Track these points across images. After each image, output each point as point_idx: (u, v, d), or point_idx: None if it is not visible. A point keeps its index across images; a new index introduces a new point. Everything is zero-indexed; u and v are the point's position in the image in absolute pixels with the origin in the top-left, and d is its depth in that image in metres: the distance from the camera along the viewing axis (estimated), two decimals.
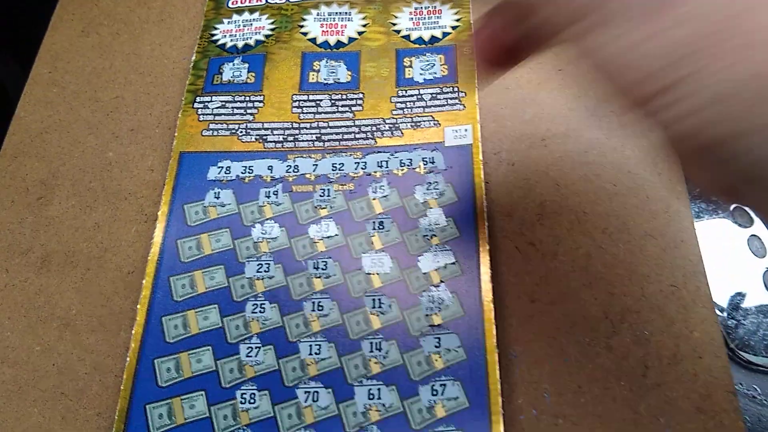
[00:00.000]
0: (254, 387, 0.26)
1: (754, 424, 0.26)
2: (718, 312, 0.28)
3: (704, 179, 0.18)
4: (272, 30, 0.37)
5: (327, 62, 0.34)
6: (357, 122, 0.32)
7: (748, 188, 0.17)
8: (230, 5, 0.38)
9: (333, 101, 0.33)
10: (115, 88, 0.37)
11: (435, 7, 0.36)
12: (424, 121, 0.32)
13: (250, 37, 0.36)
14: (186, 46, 0.38)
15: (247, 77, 0.35)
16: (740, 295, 0.29)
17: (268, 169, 0.31)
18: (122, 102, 0.37)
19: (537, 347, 0.27)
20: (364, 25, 0.36)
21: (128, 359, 0.27)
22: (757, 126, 0.16)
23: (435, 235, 0.29)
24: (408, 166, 0.31)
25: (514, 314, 0.27)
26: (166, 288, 0.28)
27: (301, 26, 0.36)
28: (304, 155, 0.32)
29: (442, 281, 0.28)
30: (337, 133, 0.32)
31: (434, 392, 0.25)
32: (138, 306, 0.28)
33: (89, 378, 0.28)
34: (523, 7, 0.18)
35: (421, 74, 0.33)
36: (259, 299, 0.28)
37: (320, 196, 0.30)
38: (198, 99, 0.34)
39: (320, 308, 0.28)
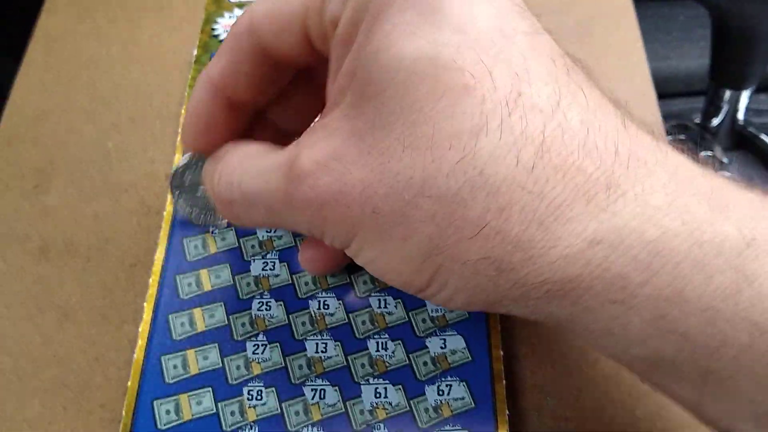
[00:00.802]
0: (261, 384, 0.26)
1: None
2: None
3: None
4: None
5: None
6: None
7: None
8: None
9: None
10: (113, 76, 0.37)
11: None
12: None
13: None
14: (185, 36, 0.38)
15: None
16: None
17: None
18: (121, 91, 0.36)
19: (540, 350, 0.27)
20: None
21: (135, 356, 0.27)
22: (499, 297, 0.20)
23: None
24: None
25: (517, 317, 0.28)
26: (173, 286, 0.28)
27: None
28: None
29: None
30: None
31: (440, 392, 0.26)
32: (145, 304, 0.28)
33: (91, 370, 0.28)
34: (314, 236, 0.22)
35: None
36: (265, 297, 0.28)
37: None
38: None
39: (326, 307, 0.28)
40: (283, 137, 0.27)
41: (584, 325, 0.20)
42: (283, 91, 0.26)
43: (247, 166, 0.23)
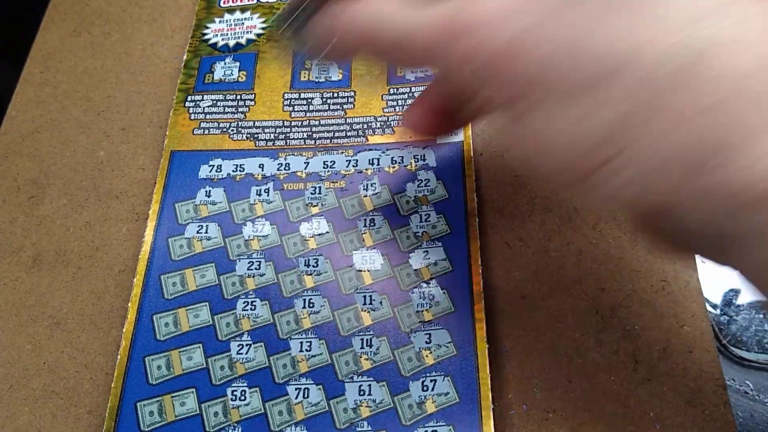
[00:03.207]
0: (245, 384, 0.26)
1: (746, 419, 0.26)
2: (710, 309, 0.28)
3: (655, 240, 0.19)
4: (264, 29, 0.37)
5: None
6: (348, 120, 0.32)
7: (702, 247, 0.18)
8: (222, 4, 0.38)
9: (324, 99, 0.33)
10: (107, 87, 0.37)
11: None
12: None
13: (242, 36, 0.36)
14: (178, 45, 0.38)
15: (239, 76, 0.35)
16: (734, 292, 0.29)
17: (259, 167, 0.31)
18: (114, 101, 0.37)
19: (527, 342, 0.27)
20: None
21: (119, 357, 0.27)
22: (685, 196, 0.17)
23: (426, 232, 0.29)
24: (399, 163, 0.31)
25: (504, 309, 0.27)
26: (157, 286, 0.28)
27: None
28: (296, 153, 0.32)
29: (432, 277, 0.28)
30: (328, 131, 0.32)
31: (425, 388, 0.25)
32: (129, 304, 0.28)
33: (80, 376, 0.28)
34: (462, 88, 0.19)
35: (412, 72, 0.33)
36: (250, 296, 0.28)
37: (311, 193, 0.30)
38: (189, 98, 0.34)
39: (311, 305, 0.28)
40: None
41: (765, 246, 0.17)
42: None
43: (394, 10, 0.20)
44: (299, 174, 0.31)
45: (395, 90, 0.33)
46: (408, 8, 0.20)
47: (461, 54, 0.19)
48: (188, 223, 0.30)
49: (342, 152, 0.31)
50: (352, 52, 0.22)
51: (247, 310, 0.28)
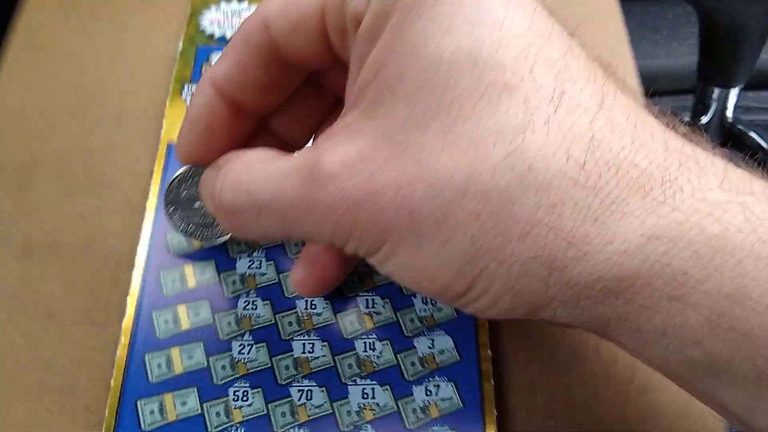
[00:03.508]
0: (247, 384, 0.26)
1: (738, 429, 0.27)
2: None
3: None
4: None
5: None
6: None
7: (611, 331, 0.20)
8: None
9: None
10: (97, 71, 0.36)
11: None
12: None
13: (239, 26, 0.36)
14: (172, 31, 0.38)
15: None
16: None
17: None
18: (105, 87, 0.36)
19: (528, 349, 0.27)
20: None
21: (118, 354, 0.26)
22: (548, 299, 0.19)
23: None
24: None
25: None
26: (157, 283, 0.28)
27: None
28: None
29: None
30: None
31: (428, 392, 0.26)
32: (128, 300, 0.28)
33: (76, 372, 0.28)
34: (332, 243, 0.21)
35: None
36: (251, 296, 0.28)
37: None
38: (186, 88, 0.34)
39: (313, 306, 0.28)
40: (284, 149, 0.27)
41: (636, 326, 0.19)
42: (288, 99, 0.25)
43: (256, 172, 0.22)
44: None
45: None
46: (268, 168, 0.22)
47: (323, 207, 0.20)
48: None
49: None
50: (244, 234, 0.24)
51: (248, 309, 0.28)
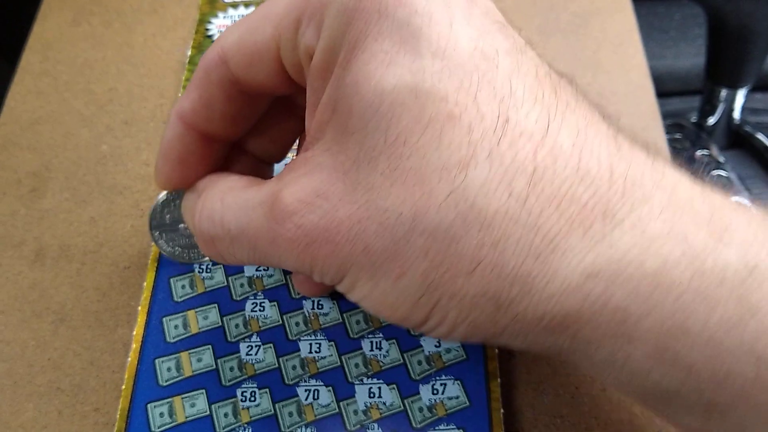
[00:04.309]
0: (255, 385, 0.26)
1: None
2: None
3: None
4: None
5: None
6: None
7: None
8: (225, 0, 0.38)
9: None
10: (108, 79, 0.37)
11: None
12: None
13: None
14: (180, 37, 0.38)
15: None
16: None
17: None
18: (116, 94, 0.36)
19: None
20: None
21: (129, 359, 0.27)
22: (499, 331, 0.19)
23: None
24: None
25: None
26: (167, 289, 0.28)
27: None
28: None
29: None
30: None
31: (435, 391, 0.26)
32: (139, 307, 0.28)
33: (86, 373, 0.28)
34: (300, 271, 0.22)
35: None
36: (258, 297, 0.28)
37: None
38: None
39: (320, 307, 0.28)
40: (262, 165, 0.27)
41: (585, 357, 0.19)
42: (259, 121, 0.26)
43: (229, 201, 0.22)
44: None
45: None
46: (238, 199, 0.22)
47: (284, 241, 0.20)
48: None
49: None
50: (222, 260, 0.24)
51: (255, 311, 0.28)
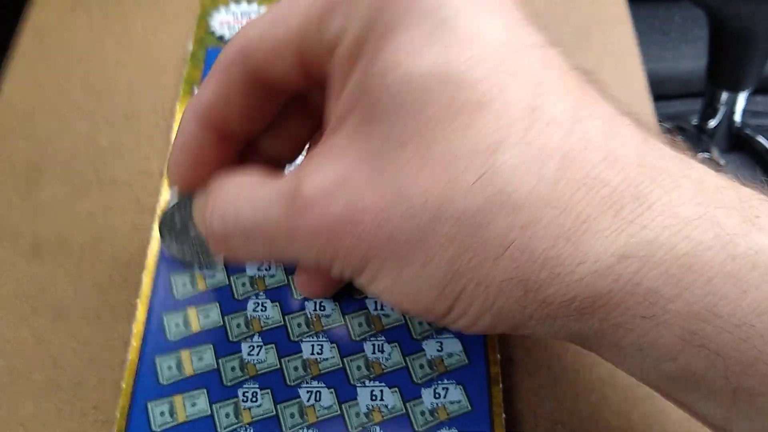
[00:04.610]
0: (256, 386, 0.26)
1: None
2: None
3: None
4: None
5: None
6: None
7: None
8: None
9: None
10: (107, 71, 0.37)
11: None
12: None
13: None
14: (180, 31, 0.38)
15: None
16: None
17: None
18: (114, 86, 0.36)
19: (537, 353, 0.27)
20: None
21: (129, 357, 0.27)
22: (526, 317, 0.19)
23: None
24: None
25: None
26: (167, 285, 0.28)
27: None
28: None
29: None
30: None
31: (437, 395, 0.26)
32: (138, 302, 0.28)
33: (85, 371, 0.28)
34: (318, 265, 0.21)
35: None
36: (260, 297, 0.28)
37: None
38: (196, 89, 0.34)
39: (322, 308, 0.28)
40: (273, 165, 0.27)
41: (613, 342, 0.19)
42: (274, 119, 0.26)
43: (243, 198, 0.22)
44: None
45: None
46: (254, 194, 0.22)
47: (305, 233, 0.20)
48: None
49: None
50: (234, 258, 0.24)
51: (257, 311, 0.28)
